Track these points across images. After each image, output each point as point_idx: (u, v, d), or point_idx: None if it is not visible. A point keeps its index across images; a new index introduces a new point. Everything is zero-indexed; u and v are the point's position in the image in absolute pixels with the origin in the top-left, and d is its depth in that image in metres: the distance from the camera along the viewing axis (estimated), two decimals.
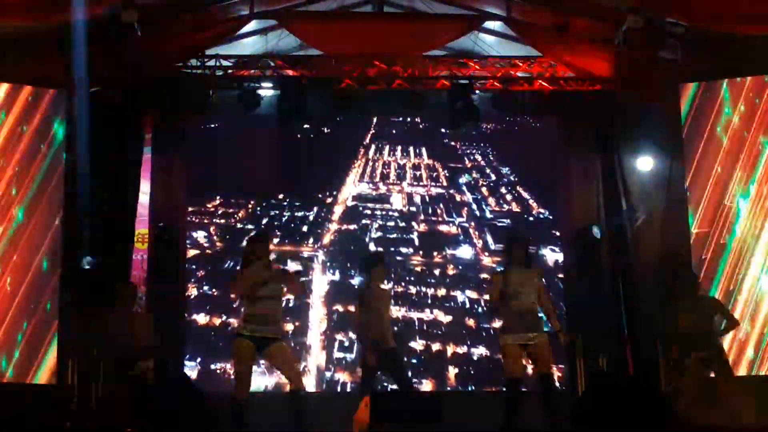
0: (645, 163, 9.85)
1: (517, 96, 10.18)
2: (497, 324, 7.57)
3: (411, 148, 10.92)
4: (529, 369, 7.47)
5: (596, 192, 10.17)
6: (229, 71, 10.09)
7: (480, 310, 10.33)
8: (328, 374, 10.06)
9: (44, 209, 8.85)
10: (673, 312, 7.94)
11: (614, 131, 10.03)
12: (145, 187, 9.92)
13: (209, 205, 10.45)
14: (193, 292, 10.06)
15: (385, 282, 8.20)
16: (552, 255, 10.36)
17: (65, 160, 8.95)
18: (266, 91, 10.14)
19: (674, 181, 9.39)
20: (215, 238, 10.45)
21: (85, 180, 8.95)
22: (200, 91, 9.89)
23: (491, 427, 7.27)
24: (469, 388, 10.12)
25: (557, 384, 7.39)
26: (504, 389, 7.36)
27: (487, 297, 7.89)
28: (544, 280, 7.51)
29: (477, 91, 10.01)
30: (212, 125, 10.40)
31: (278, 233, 7.08)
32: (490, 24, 9.92)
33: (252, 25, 9.80)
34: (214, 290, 10.25)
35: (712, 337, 7.81)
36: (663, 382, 8.93)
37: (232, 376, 7.13)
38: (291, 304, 9.78)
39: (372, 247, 10.11)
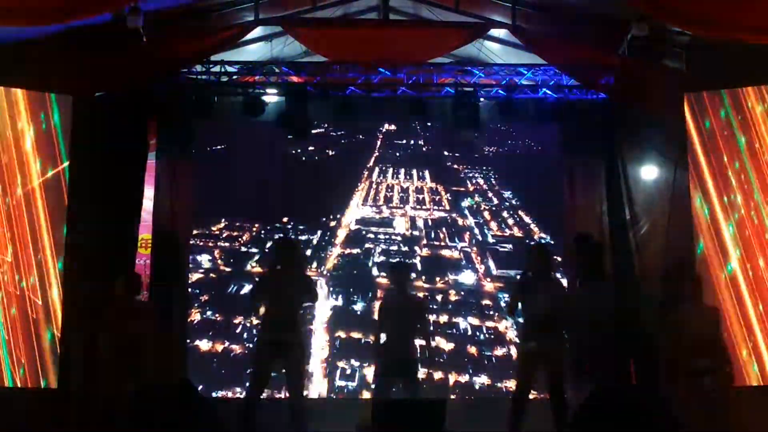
0: (649, 172, 9.85)
1: (521, 104, 10.20)
2: (499, 352, 7.59)
3: (414, 171, 10.89)
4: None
5: (600, 200, 10.16)
6: (234, 77, 10.12)
7: (482, 337, 10.26)
8: None
9: (47, 213, 8.83)
10: (679, 316, 7.91)
11: (618, 139, 10.03)
12: (148, 193, 9.93)
13: (214, 228, 10.45)
14: (196, 317, 10.01)
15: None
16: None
17: (69, 164, 8.94)
18: (271, 97, 10.16)
19: (678, 189, 9.38)
20: (219, 261, 10.42)
21: (89, 184, 8.98)
22: (205, 97, 9.90)
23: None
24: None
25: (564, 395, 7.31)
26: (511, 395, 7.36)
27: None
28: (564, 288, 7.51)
29: (481, 99, 10.02)
30: (218, 147, 10.42)
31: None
32: (495, 32, 9.92)
33: (257, 32, 9.81)
34: (217, 315, 10.20)
35: (717, 345, 7.78)
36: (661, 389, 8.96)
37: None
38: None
39: (375, 271, 10.05)
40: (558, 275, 10.21)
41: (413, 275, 10.27)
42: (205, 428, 6.24)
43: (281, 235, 9.73)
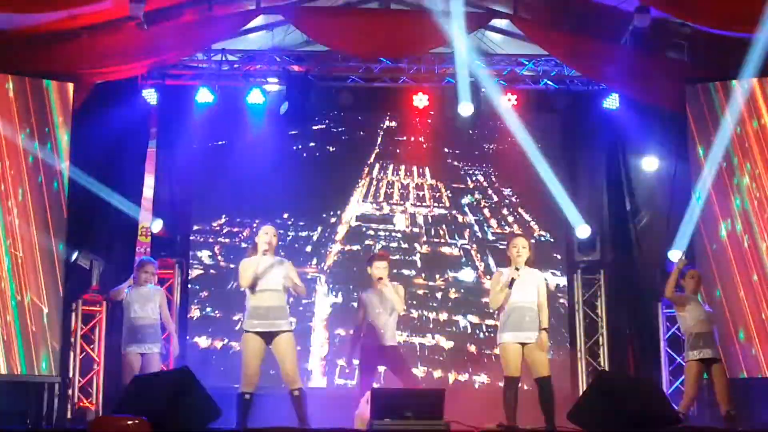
0: (650, 164, 9.85)
1: (522, 94, 10.19)
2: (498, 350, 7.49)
3: (414, 168, 10.84)
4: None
5: (601, 192, 10.17)
6: (235, 66, 10.11)
7: (482, 335, 10.21)
8: None
9: (47, 201, 8.82)
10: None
11: (619, 131, 10.02)
12: (149, 181, 9.94)
13: (214, 224, 10.38)
14: (195, 313, 9.99)
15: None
16: (553, 279, 10.23)
17: (70, 152, 8.93)
18: (272, 86, 10.15)
19: (679, 181, 9.39)
20: (219, 257, 10.37)
21: (90, 172, 8.97)
22: (206, 86, 9.91)
23: (492, 424, 7.27)
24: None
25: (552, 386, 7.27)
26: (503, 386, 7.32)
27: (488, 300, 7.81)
28: (546, 280, 7.44)
29: (482, 89, 10.00)
30: (219, 142, 10.41)
31: (282, 253, 7.05)
32: (496, 22, 9.90)
33: (258, 21, 9.78)
34: (216, 312, 10.15)
35: (713, 338, 7.82)
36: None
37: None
38: (293, 326, 9.71)
39: None
40: (558, 272, 10.21)
41: (412, 272, 10.18)
42: (205, 416, 6.25)
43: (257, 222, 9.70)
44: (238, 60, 10.11)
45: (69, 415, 8.90)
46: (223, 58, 10.00)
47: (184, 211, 10.11)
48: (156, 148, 10.09)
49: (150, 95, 9.83)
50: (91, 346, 9.23)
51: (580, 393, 8.76)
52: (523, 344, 7.17)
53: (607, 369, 9.73)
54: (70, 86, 8.99)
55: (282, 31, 10.07)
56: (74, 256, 8.91)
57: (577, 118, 10.36)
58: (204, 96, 9.92)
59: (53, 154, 8.84)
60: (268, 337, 6.92)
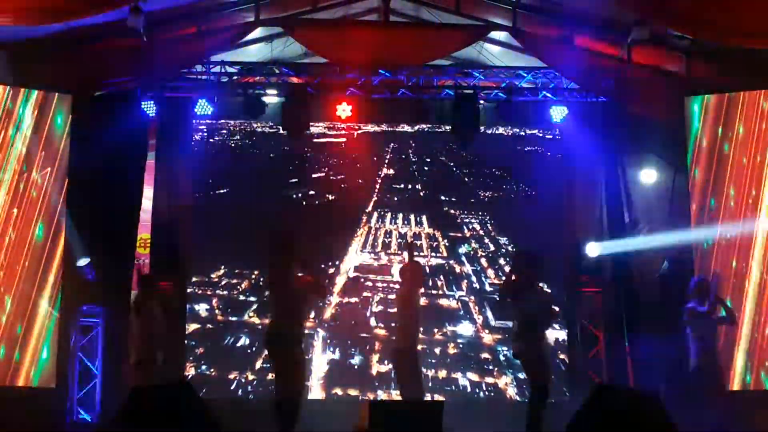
0: (648, 176, 9.86)
1: (521, 106, 10.19)
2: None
3: (412, 216, 10.80)
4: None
5: (600, 204, 10.16)
6: (235, 78, 10.12)
7: (482, 394, 10.01)
8: None
9: (47, 211, 8.84)
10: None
11: (618, 143, 10.03)
12: (148, 192, 9.93)
13: (213, 276, 10.30)
14: (191, 371, 9.85)
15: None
16: (551, 333, 9.88)
17: (70, 163, 8.95)
18: (271, 98, 10.16)
19: (677, 193, 9.39)
20: (217, 311, 10.25)
21: (89, 183, 8.98)
22: (205, 97, 9.92)
23: None
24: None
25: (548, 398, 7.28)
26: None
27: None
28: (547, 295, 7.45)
29: (481, 101, 10.01)
30: (220, 191, 10.37)
31: None
32: (495, 34, 9.93)
33: (257, 33, 9.82)
34: (212, 370, 10.02)
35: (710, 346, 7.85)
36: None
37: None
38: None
39: (373, 321, 9.97)
40: (557, 325, 10.02)
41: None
42: (204, 430, 6.23)
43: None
44: (238, 72, 10.12)
45: (66, 427, 8.87)
46: (222, 70, 10.02)
47: (181, 223, 10.07)
48: (155, 159, 10.08)
49: (149, 107, 9.79)
50: (90, 358, 9.20)
51: (580, 406, 8.75)
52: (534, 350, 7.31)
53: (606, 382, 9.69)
54: (70, 98, 9.01)
55: (281, 43, 10.10)
56: (83, 262, 8.92)
57: (575, 130, 10.35)
58: (203, 108, 9.89)
59: (53, 164, 8.86)
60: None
